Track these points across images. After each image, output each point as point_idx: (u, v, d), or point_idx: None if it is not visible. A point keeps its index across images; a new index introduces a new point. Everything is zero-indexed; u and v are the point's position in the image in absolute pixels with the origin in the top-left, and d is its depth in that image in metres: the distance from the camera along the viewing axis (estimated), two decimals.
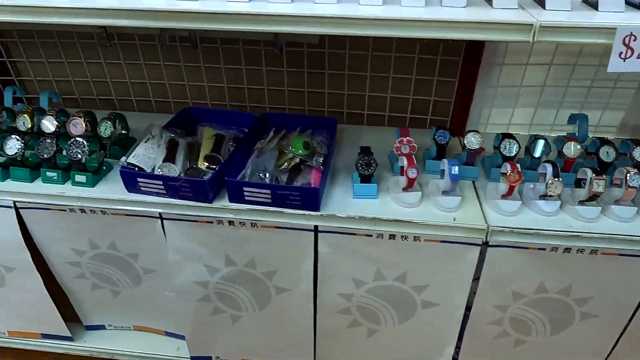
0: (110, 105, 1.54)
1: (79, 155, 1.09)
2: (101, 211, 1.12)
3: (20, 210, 1.16)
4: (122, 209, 1.10)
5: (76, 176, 1.12)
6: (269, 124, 1.31)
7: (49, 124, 1.23)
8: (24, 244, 1.19)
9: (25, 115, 1.24)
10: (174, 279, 1.21)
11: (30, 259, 1.22)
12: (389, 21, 0.82)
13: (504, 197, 1.04)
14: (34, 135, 1.18)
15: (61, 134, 1.25)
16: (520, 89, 1.30)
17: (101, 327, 1.47)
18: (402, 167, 1.07)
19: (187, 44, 1.37)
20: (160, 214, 1.11)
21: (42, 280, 1.27)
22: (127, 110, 1.53)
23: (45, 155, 1.10)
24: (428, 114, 1.40)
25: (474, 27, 0.81)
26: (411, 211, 1.04)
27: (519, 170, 1.00)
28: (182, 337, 1.41)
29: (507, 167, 1.01)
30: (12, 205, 1.14)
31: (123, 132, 1.28)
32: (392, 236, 1.04)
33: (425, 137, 1.21)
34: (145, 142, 1.17)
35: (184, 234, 1.13)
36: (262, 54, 1.36)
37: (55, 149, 1.10)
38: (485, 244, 1.02)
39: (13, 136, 1.11)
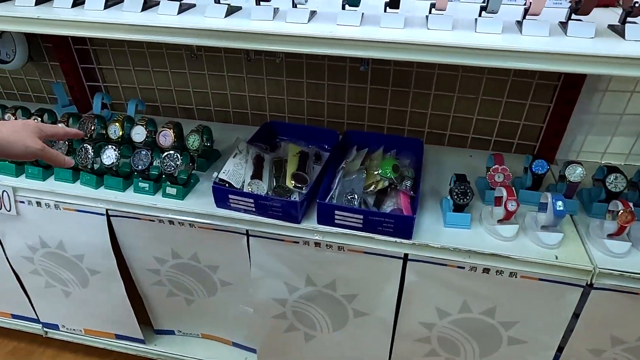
0: (189, 114, 1.57)
1: (172, 169, 1.11)
2: (189, 224, 1.14)
3: (111, 218, 1.19)
4: (211, 224, 1.12)
5: (167, 188, 1.14)
6: (350, 142, 1.29)
7: (139, 134, 1.27)
8: (111, 251, 1.23)
9: (117, 123, 1.28)
10: (253, 294, 1.22)
11: (116, 265, 1.26)
12: (508, 52, 0.78)
13: (611, 236, 0.98)
14: (127, 145, 1.21)
15: (149, 143, 1.28)
16: (622, 117, 1.22)
17: (171, 332, 1.50)
18: (500, 197, 1.02)
19: (271, 58, 1.37)
20: (247, 230, 1.11)
21: (123, 285, 1.31)
22: (205, 120, 1.56)
23: (139, 167, 1.13)
24: (515, 138, 1.34)
25: (604, 61, 0.76)
26: (508, 245, 1.00)
27: (632, 209, 0.94)
28: (250, 349, 1.42)
29: (618, 205, 0.95)
30: (104, 212, 1.18)
31: (207, 144, 1.30)
32: (486, 270, 1.00)
33: (512, 162, 1.16)
34: (234, 157, 1.17)
35: (268, 252, 1.13)
36: (347, 71, 1.34)
37: (150, 160, 1.12)
38: (589, 286, 0.96)
39: (110, 146, 1.14)
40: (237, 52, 1.39)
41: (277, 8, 0.94)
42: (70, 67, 1.50)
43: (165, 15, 0.93)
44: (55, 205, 1.20)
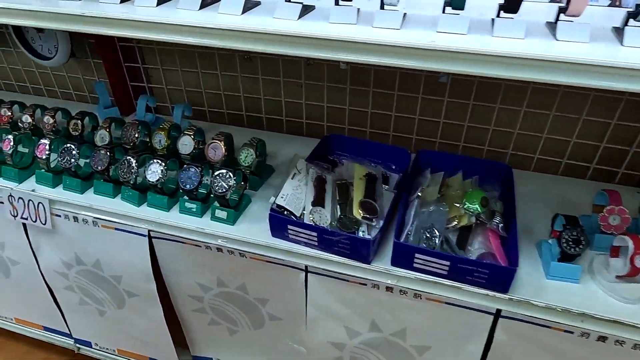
0: (237, 121, 1.43)
1: (224, 190, 0.97)
2: (240, 253, 1.00)
3: (153, 240, 1.07)
4: (265, 255, 0.97)
5: (217, 211, 1.00)
6: (423, 162, 1.12)
7: (186, 145, 1.14)
8: (152, 275, 1.11)
9: (163, 132, 1.15)
10: (308, 335, 1.07)
11: (156, 289, 1.14)
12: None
13: None
14: (174, 159, 1.08)
15: (196, 156, 1.15)
16: None
17: None
18: (619, 247, 0.83)
19: (335, 63, 1.21)
20: (306, 266, 0.96)
21: (162, 310, 1.19)
22: (255, 128, 1.42)
23: (187, 186, 0.99)
24: (621, 167, 1.13)
25: None
26: (633, 309, 0.81)
27: None
28: None
29: None
30: (146, 234, 1.05)
31: (260, 159, 1.16)
32: (602, 338, 0.81)
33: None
34: (292, 178, 1.03)
35: (329, 291, 0.98)
36: (422, 81, 1.17)
37: (199, 179, 0.99)
38: None
39: (156, 160, 1.01)
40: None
41: (359, 9, 0.78)
42: (114, 66, 1.39)
43: (227, 15, 0.79)
44: (93, 221, 1.08)
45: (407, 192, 1.03)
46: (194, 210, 1.02)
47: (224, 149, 1.10)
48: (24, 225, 1.17)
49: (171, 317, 1.26)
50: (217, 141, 1.10)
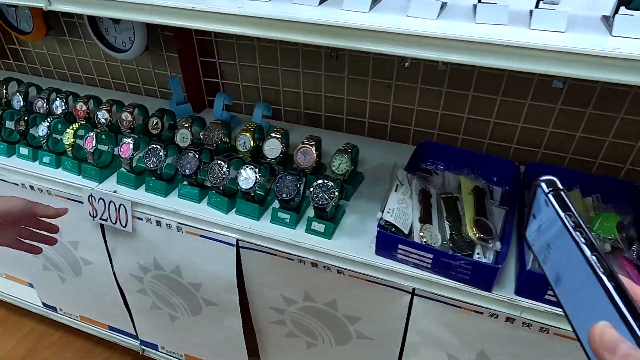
0: (314, 122, 1.35)
1: (324, 202, 0.90)
2: (337, 270, 0.92)
3: (241, 249, 1.01)
4: (366, 274, 0.90)
5: (314, 224, 0.93)
6: (533, 177, 1.02)
7: (273, 148, 1.07)
8: (236, 286, 1.05)
9: (247, 134, 1.09)
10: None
11: (238, 301, 1.08)
12: None
13: None
14: (266, 166, 1.01)
15: (282, 160, 1.08)
16: None
17: None
18: None
19: (433, 63, 1.12)
20: (413, 289, 0.88)
21: (241, 321, 1.14)
22: (333, 129, 1.33)
23: (284, 196, 0.92)
24: None
25: None
26: None
27: None
28: None
29: None
30: (234, 243, 0.99)
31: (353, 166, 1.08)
32: None
33: None
34: (395, 190, 0.94)
35: (435, 316, 0.89)
36: (533, 85, 1.06)
37: (297, 189, 0.92)
38: None
39: (250, 167, 0.95)
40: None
41: (445, 3, 0.70)
42: (190, 60, 1.33)
43: (353, 13, 0.70)
44: (177, 227, 1.03)
45: (517, 209, 0.93)
46: (287, 221, 0.95)
47: (315, 155, 1.02)
48: (102, 226, 1.13)
49: (245, 325, 1.20)
50: (307, 146, 1.03)
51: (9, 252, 1.50)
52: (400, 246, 0.84)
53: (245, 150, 1.10)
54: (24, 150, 1.18)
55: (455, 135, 1.21)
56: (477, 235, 0.86)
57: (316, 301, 1.03)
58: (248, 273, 1.04)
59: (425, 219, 0.90)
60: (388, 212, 0.89)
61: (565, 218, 0.39)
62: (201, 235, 1.01)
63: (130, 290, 1.24)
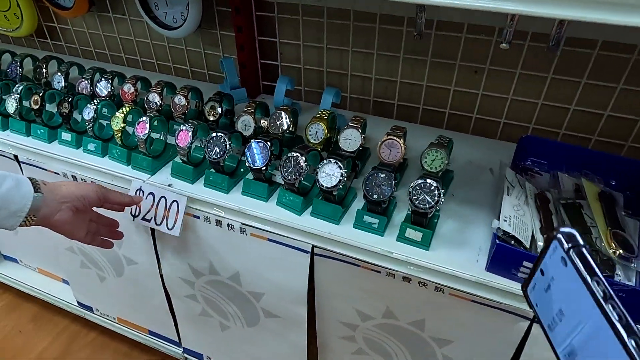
0: (385, 112, 1.19)
1: (428, 206, 0.75)
2: (436, 287, 0.78)
3: (316, 257, 0.87)
4: (474, 294, 0.75)
5: (409, 231, 0.78)
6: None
7: (351, 139, 0.92)
8: (306, 299, 0.91)
9: (321, 123, 0.94)
10: None
11: (306, 315, 0.94)
12: None
13: None
14: (348, 160, 0.86)
15: (360, 154, 0.94)
16: None
17: None
18: None
19: (540, 45, 0.95)
20: (535, 316, 0.73)
21: (306, 336, 1.00)
22: (406, 121, 1.18)
23: (375, 197, 0.78)
24: None
25: None
26: None
27: None
28: None
29: None
30: (309, 250, 0.85)
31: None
32: None
33: None
34: (508, 194, 0.79)
35: None
36: None
37: (392, 188, 0.77)
38: None
39: (334, 161, 0.80)
40: (487, 31, 0.98)
41: None
42: (247, 39, 1.18)
43: None
44: (241, 228, 0.89)
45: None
46: (376, 226, 0.80)
47: (403, 148, 0.87)
48: None
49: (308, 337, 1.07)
50: (395, 138, 0.88)
51: (43, 245, 1.41)
52: (525, 263, 0.69)
53: (316, 141, 0.95)
54: (66, 136, 1.06)
55: (555, 130, 1.04)
56: (617, 252, 0.70)
57: (399, 319, 0.88)
58: (320, 284, 0.90)
59: (548, 229, 0.75)
60: (505, 220, 0.73)
61: (594, 285, 0.34)
62: (269, 239, 0.88)
63: (179, 295, 1.12)
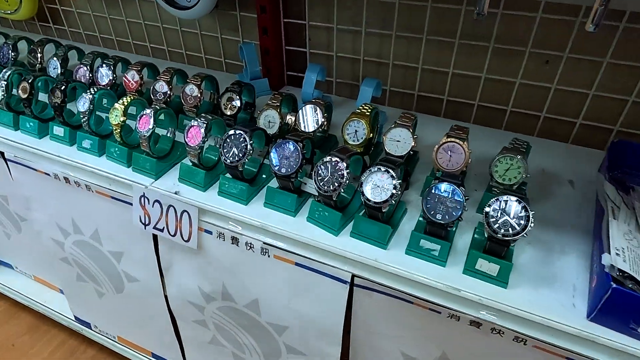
0: (431, 109, 1.01)
1: (513, 232, 0.57)
2: (516, 337, 0.60)
3: (355, 288, 0.70)
4: (569, 351, 0.57)
5: (481, 262, 0.61)
6: None
7: (401, 141, 0.75)
8: (340, 337, 0.74)
9: (363, 120, 0.77)
10: None
11: (339, 356, 0.77)
12: None
13: None
14: (401, 167, 0.69)
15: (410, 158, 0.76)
16: None
17: None
18: None
19: (638, 27, 0.77)
20: None
21: None
22: (454, 119, 1.00)
23: (439, 217, 0.60)
24: None
25: None
26: None
27: None
28: None
29: None
30: (348, 280, 0.68)
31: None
32: None
33: None
34: (614, 217, 0.61)
35: None
36: None
37: (463, 207, 0.59)
38: None
39: (385, 169, 0.63)
40: (571, 10, 0.80)
41: None
42: (272, 21, 1.01)
43: None
44: (262, 249, 0.73)
45: None
46: (436, 254, 0.63)
47: (466, 153, 0.70)
48: (154, 236, 0.85)
49: None
50: (457, 141, 0.70)
51: (38, 252, 1.26)
52: None
53: (356, 142, 0.78)
54: (58, 130, 0.90)
55: (626, 130, 0.85)
56: None
57: None
58: (359, 320, 0.73)
59: None
60: (617, 253, 0.55)
61: None
62: (297, 264, 0.71)
63: (186, 319, 0.96)
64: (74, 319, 1.26)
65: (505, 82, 0.91)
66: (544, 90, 0.89)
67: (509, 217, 0.57)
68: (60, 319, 1.30)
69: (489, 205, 0.57)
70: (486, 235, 0.58)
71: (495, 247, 0.59)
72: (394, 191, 0.61)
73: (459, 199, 0.59)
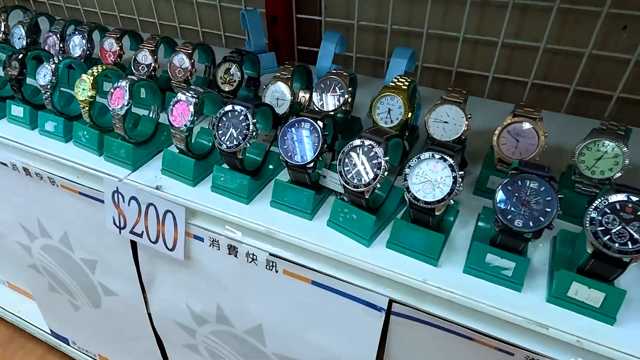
0: (473, 88, 0.85)
1: (631, 246, 0.40)
2: None
3: (393, 317, 0.53)
4: None
5: (575, 286, 0.43)
6: None
7: (449, 123, 0.57)
8: None
9: (400, 96, 0.60)
10: None
11: None
12: None
13: None
14: (458, 151, 0.52)
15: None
16: None
17: None
18: None
19: None
20: None
21: None
22: (496, 100, 0.83)
23: (520, 224, 0.42)
24: None
25: None
26: None
27: None
28: None
29: None
30: (385, 306, 0.51)
31: None
32: None
33: None
34: None
35: None
36: None
37: (555, 209, 0.42)
38: None
39: (437, 155, 0.45)
40: None
41: None
42: None
43: None
44: (268, 261, 0.56)
45: None
46: (509, 274, 0.46)
47: (542, 138, 0.52)
48: (133, 243, 0.68)
49: None
50: (527, 120, 0.53)
51: (6, 255, 1.10)
52: None
53: (390, 124, 0.61)
54: (17, 110, 0.73)
55: None
56: None
57: None
58: (396, 357, 0.56)
59: None
60: None
61: None
62: (314, 283, 0.54)
63: (174, 343, 0.79)
64: (50, 333, 1.10)
65: (573, 54, 0.74)
66: (614, 66, 0.72)
67: (627, 225, 0.39)
68: (37, 333, 1.14)
69: (596, 209, 0.40)
70: (588, 251, 0.41)
71: (601, 267, 0.41)
72: (454, 187, 0.44)
73: (551, 201, 0.41)
